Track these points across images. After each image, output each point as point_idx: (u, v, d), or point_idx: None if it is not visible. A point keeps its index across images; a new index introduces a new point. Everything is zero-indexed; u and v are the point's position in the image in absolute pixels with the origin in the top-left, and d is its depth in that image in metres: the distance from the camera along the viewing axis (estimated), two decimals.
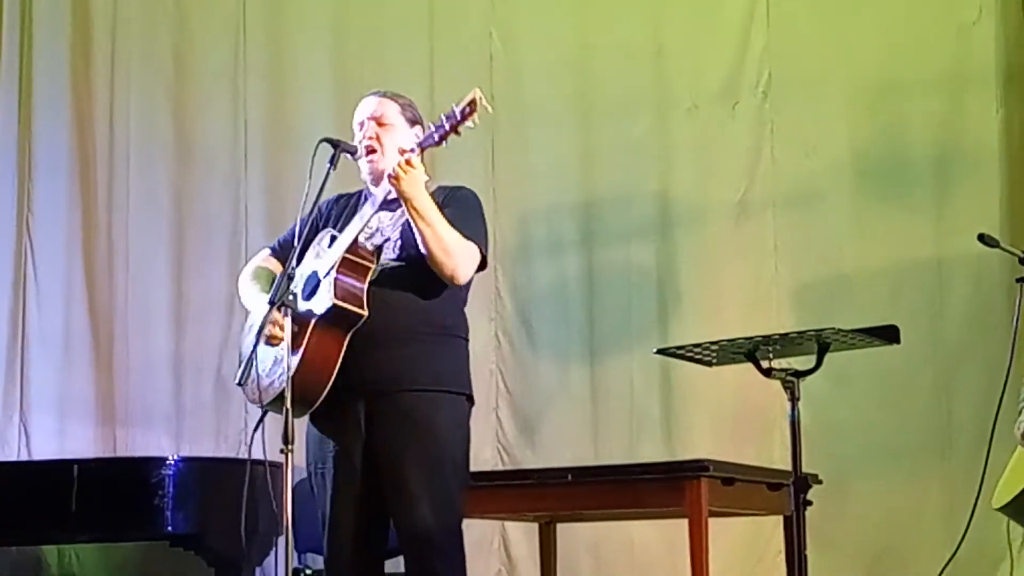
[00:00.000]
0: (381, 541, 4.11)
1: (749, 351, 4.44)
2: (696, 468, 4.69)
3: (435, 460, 4.00)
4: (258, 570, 6.06)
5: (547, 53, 6.96)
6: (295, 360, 3.87)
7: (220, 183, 7.55)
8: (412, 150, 3.98)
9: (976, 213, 5.97)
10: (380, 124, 4.20)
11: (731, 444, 6.11)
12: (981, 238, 4.74)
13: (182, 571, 6.06)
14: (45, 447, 7.47)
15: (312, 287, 4.00)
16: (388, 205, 4.09)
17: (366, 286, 3.98)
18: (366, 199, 4.21)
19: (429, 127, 3.99)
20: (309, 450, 4.15)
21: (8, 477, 5.93)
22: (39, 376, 7.67)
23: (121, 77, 7.76)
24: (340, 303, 3.93)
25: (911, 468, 6.08)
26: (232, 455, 6.42)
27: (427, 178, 4.14)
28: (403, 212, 4.02)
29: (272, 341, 3.94)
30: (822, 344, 4.36)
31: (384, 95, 4.28)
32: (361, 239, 4.06)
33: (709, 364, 4.72)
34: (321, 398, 3.95)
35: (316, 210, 4.24)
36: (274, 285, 4.00)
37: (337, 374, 3.95)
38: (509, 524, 6.55)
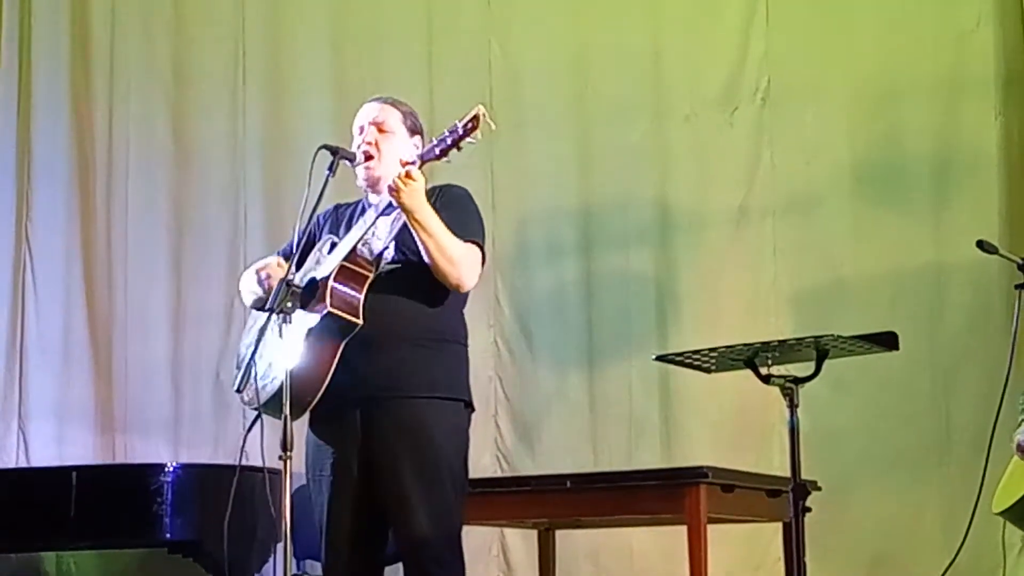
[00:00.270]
0: (379, 546, 4.11)
1: (748, 358, 4.43)
2: (695, 475, 4.69)
3: (433, 467, 4.00)
4: None
5: (545, 59, 6.96)
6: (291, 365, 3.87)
7: (219, 190, 7.55)
8: (413, 162, 3.97)
9: (975, 219, 5.97)
10: (380, 130, 4.20)
11: (730, 451, 6.10)
12: (980, 244, 4.73)
13: None
14: (44, 454, 7.48)
15: (310, 294, 4.00)
16: (385, 211, 4.08)
17: (363, 295, 3.98)
18: (365, 208, 4.20)
19: (431, 140, 3.98)
20: (308, 456, 4.15)
21: (7, 484, 5.94)
22: (38, 383, 7.67)
23: (120, 84, 7.77)
24: (336, 311, 3.93)
25: (910, 475, 6.07)
26: (230, 462, 6.42)
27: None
28: (399, 215, 4.01)
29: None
30: (821, 351, 4.35)
31: (386, 101, 4.28)
32: (360, 247, 4.05)
33: (708, 371, 4.71)
34: (314, 402, 3.95)
35: (313, 221, 4.22)
36: (273, 292, 3.99)
37: (335, 379, 3.95)
38: (508, 531, 6.55)
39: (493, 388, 6.74)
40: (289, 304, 3.84)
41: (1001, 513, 4.79)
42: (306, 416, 4.05)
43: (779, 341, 4.45)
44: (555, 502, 5.02)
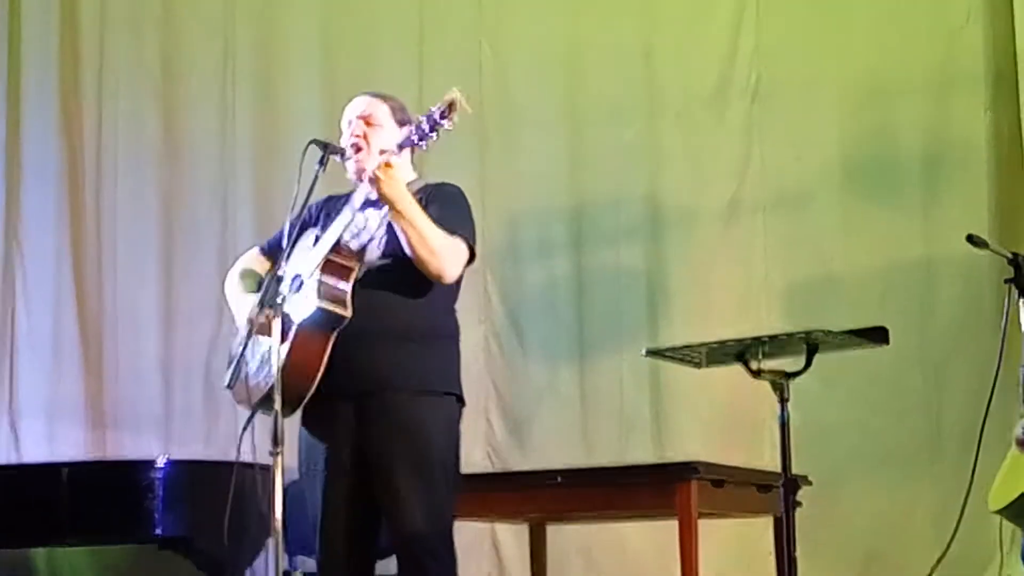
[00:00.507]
0: (372, 540, 4.12)
1: (738, 352, 4.44)
2: (686, 470, 4.71)
3: (425, 462, 4.00)
4: (248, 572, 6.06)
5: (536, 57, 6.96)
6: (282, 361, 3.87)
7: (208, 186, 7.54)
8: (392, 151, 3.99)
9: (965, 214, 5.98)
10: (368, 123, 4.21)
11: (721, 446, 6.11)
12: (970, 239, 4.72)
13: (172, 574, 6.05)
14: (35, 451, 7.46)
15: (296, 289, 4.00)
16: (375, 204, 4.09)
17: (350, 287, 3.98)
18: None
19: (408, 127, 4.00)
20: (301, 452, 4.15)
21: None
22: (28, 380, 7.66)
23: (109, 81, 7.76)
24: (324, 305, 3.93)
25: (901, 470, 6.08)
26: (221, 458, 6.42)
27: (414, 177, 4.15)
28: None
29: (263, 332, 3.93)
30: (811, 345, 4.36)
31: (375, 95, 4.29)
32: (346, 238, 4.06)
33: (698, 366, 4.72)
34: (306, 398, 3.95)
35: (306, 211, 4.24)
36: (263, 287, 4.00)
37: (326, 376, 3.95)
38: (499, 526, 6.55)
39: (484, 383, 6.74)
40: (277, 300, 3.84)
41: (999, 511, 4.79)
42: (298, 412, 4.05)
43: (769, 336, 4.46)
44: (546, 497, 5.03)
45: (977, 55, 6.20)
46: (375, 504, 4.02)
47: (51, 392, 7.60)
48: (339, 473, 4.04)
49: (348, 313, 3.95)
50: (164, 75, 7.69)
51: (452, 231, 4.03)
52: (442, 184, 4.25)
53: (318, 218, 4.25)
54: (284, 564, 3.89)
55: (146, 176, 7.66)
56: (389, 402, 4.01)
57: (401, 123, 4.23)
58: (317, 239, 4.10)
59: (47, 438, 7.51)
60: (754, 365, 4.43)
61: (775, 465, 4.57)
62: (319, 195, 4.22)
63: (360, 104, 4.25)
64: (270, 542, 3.81)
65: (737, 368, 4.48)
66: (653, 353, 4.83)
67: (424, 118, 3.92)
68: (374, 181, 3.94)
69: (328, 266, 3.99)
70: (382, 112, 4.23)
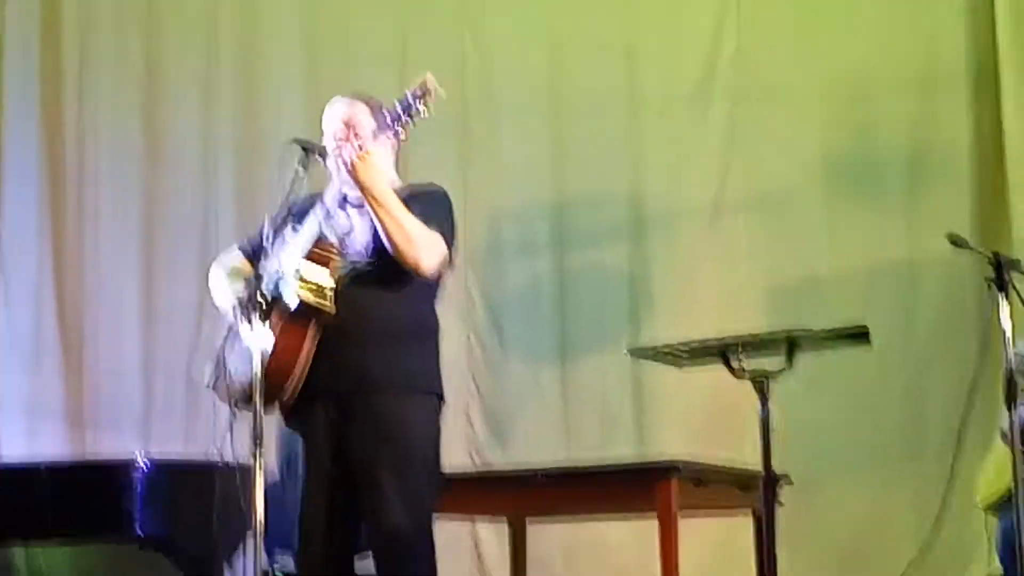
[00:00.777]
0: (352, 535, 4.10)
1: (720, 352, 4.44)
2: (667, 468, 4.70)
3: (407, 461, 3.99)
4: (227, 571, 6.04)
5: (519, 54, 6.96)
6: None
7: (190, 186, 7.51)
8: (366, 137, 3.98)
9: (947, 214, 6.00)
10: (350, 128, 4.19)
11: (702, 444, 6.11)
12: (951, 238, 4.74)
13: (152, 573, 6.03)
14: (14, 449, 7.42)
15: (277, 283, 3.98)
16: (359, 207, 4.08)
17: (331, 281, 3.97)
18: (339, 198, 4.19)
19: (384, 114, 3.99)
20: (282, 448, 4.14)
21: None
22: (9, 379, 7.62)
23: (91, 80, 7.72)
24: (304, 296, 3.92)
25: (882, 468, 6.09)
26: (201, 457, 6.39)
27: (397, 180, 4.14)
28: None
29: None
30: (792, 344, 4.37)
31: (354, 97, 4.27)
32: (327, 234, 4.04)
33: (680, 365, 4.72)
34: (288, 392, 3.94)
35: (287, 210, 4.22)
36: (244, 286, 3.98)
37: (309, 374, 3.94)
38: (480, 524, 6.54)
39: (466, 382, 6.73)
40: (259, 298, 3.83)
41: (986, 508, 4.80)
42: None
43: (750, 335, 4.47)
44: (527, 495, 5.03)
45: (959, 55, 6.23)
46: (355, 502, 4.01)
47: (31, 391, 7.56)
48: (319, 468, 4.03)
49: (330, 306, 3.94)
50: (147, 75, 7.66)
51: (430, 225, 4.01)
52: (428, 185, 4.25)
53: (300, 216, 4.24)
54: (264, 563, 3.88)
55: (128, 176, 7.63)
56: (371, 401, 4.00)
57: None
58: (296, 231, 4.08)
59: (27, 436, 7.48)
60: (736, 364, 4.44)
61: (756, 464, 4.58)
62: (302, 193, 4.20)
63: (339, 109, 4.23)
64: (249, 539, 3.79)
65: (719, 367, 4.48)
66: (635, 352, 4.83)
67: (398, 103, 3.92)
68: (349, 168, 3.93)
69: (309, 258, 3.98)
70: (362, 113, 4.22)
